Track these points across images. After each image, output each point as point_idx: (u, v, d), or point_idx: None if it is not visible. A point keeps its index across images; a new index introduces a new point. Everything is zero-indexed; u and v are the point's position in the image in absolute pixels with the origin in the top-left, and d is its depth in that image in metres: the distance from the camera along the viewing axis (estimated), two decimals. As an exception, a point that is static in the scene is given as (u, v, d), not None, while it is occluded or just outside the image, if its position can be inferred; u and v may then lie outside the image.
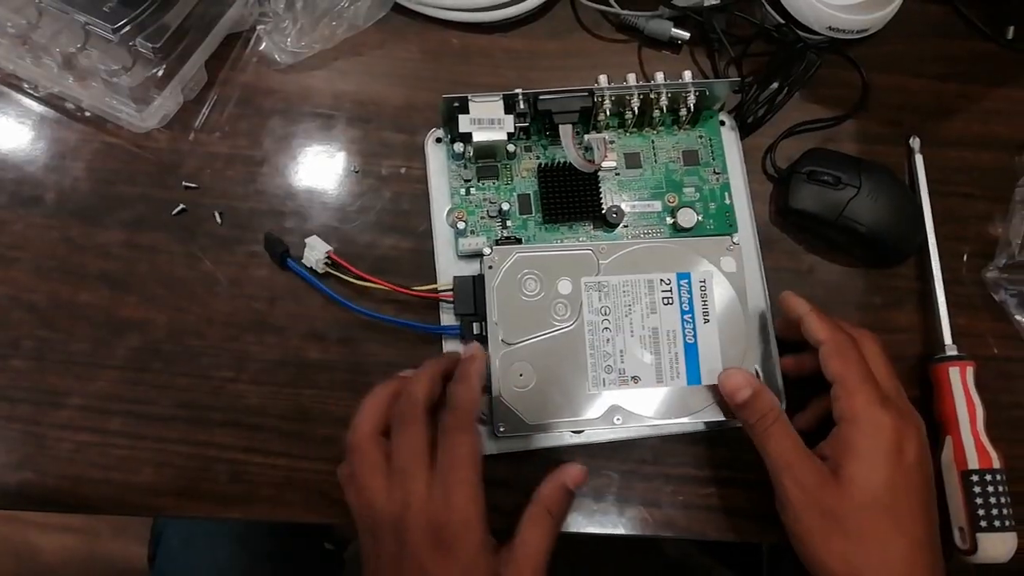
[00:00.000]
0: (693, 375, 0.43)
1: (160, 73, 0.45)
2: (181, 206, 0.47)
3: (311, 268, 0.45)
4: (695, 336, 0.43)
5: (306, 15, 0.49)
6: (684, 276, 0.44)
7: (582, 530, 0.44)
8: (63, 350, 0.45)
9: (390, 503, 0.37)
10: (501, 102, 0.45)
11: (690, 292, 0.43)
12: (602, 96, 0.46)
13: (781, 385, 0.45)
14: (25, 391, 0.44)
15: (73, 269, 0.46)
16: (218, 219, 0.47)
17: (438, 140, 0.48)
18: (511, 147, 0.47)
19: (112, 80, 0.44)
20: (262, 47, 0.50)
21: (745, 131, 0.50)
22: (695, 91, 0.47)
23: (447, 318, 0.45)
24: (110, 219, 0.47)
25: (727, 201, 0.48)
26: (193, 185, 0.48)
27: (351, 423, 0.39)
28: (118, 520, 1.14)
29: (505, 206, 0.46)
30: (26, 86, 0.49)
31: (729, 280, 0.44)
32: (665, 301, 0.43)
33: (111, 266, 0.46)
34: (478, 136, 0.45)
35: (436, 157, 0.48)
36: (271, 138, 0.49)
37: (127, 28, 0.44)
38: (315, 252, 0.45)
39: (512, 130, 0.45)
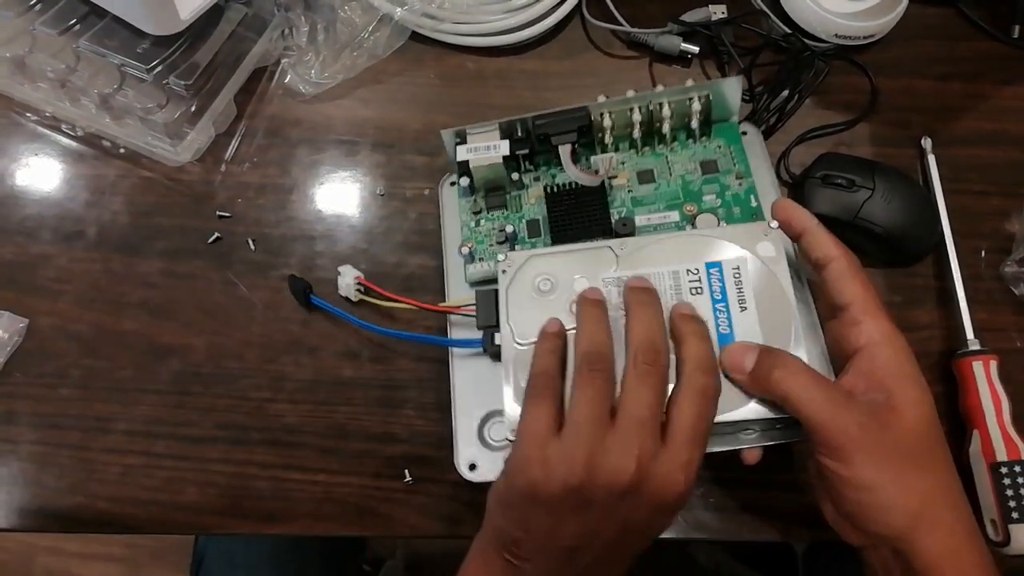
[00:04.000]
0: None
1: (192, 109, 0.47)
2: (216, 235, 0.49)
3: (344, 297, 0.47)
4: (730, 326, 0.38)
5: (328, 47, 0.51)
6: (714, 265, 0.39)
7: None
8: (108, 377, 0.47)
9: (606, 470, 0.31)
10: (497, 130, 0.45)
11: (722, 280, 0.39)
12: (600, 113, 0.45)
13: (831, 369, 0.41)
14: (74, 418, 0.46)
15: (115, 299, 0.48)
16: (251, 246, 0.49)
17: (452, 184, 0.48)
18: (515, 175, 0.46)
19: (148, 117, 0.46)
20: (287, 80, 0.52)
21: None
22: (698, 97, 0.46)
23: (458, 332, 0.45)
24: (149, 250, 0.49)
25: (753, 204, 0.46)
26: (226, 214, 0.50)
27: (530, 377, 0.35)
28: (158, 548, 1.16)
29: (510, 228, 0.45)
30: (64, 127, 0.51)
31: (768, 265, 0.39)
32: (694, 291, 0.39)
33: (151, 295, 0.48)
34: (475, 161, 0.45)
35: (450, 201, 0.48)
36: (299, 166, 0.51)
37: (160, 67, 0.47)
38: (346, 279, 0.46)
39: (507, 152, 0.45)
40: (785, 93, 0.51)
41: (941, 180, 0.51)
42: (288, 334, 0.47)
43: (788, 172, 0.51)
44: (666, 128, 0.47)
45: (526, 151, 0.46)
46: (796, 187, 0.50)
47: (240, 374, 0.47)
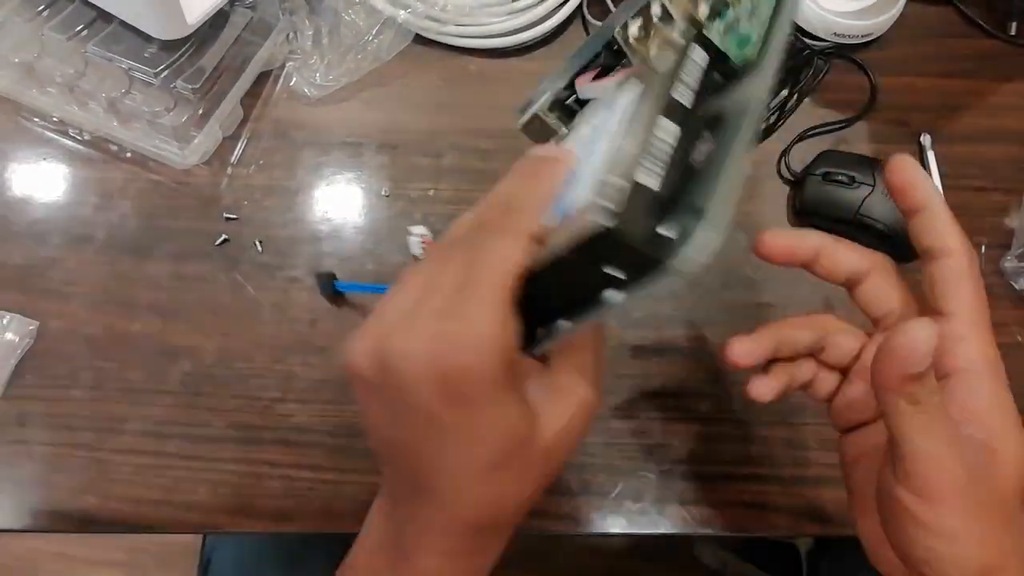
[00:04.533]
0: None
1: (200, 112, 0.47)
2: (223, 236, 0.49)
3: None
4: None
5: (332, 51, 0.52)
6: None
7: (624, 531, 0.46)
8: (119, 378, 0.47)
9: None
10: None
11: None
12: None
13: None
14: (85, 419, 0.46)
15: (125, 301, 0.48)
16: (259, 247, 0.49)
17: None
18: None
19: (156, 121, 0.47)
20: (292, 83, 0.52)
21: (759, 137, 0.52)
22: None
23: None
24: (157, 252, 0.49)
25: None
26: (233, 216, 0.50)
27: None
28: (163, 553, 1.16)
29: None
30: (71, 131, 0.51)
31: None
32: None
33: (160, 297, 0.48)
34: None
35: None
36: (304, 168, 0.52)
37: (167, 72, 0.47)
38: (414, 238, 0.48)
39: None
40: (785, 92, 0.52)
41: (941, 176, 0.51)
42: (297, 334, 0.48)
43: (789, 169, 0.52)
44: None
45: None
46: (797, 184, 0.51)
47: (249, 374, 0.47)
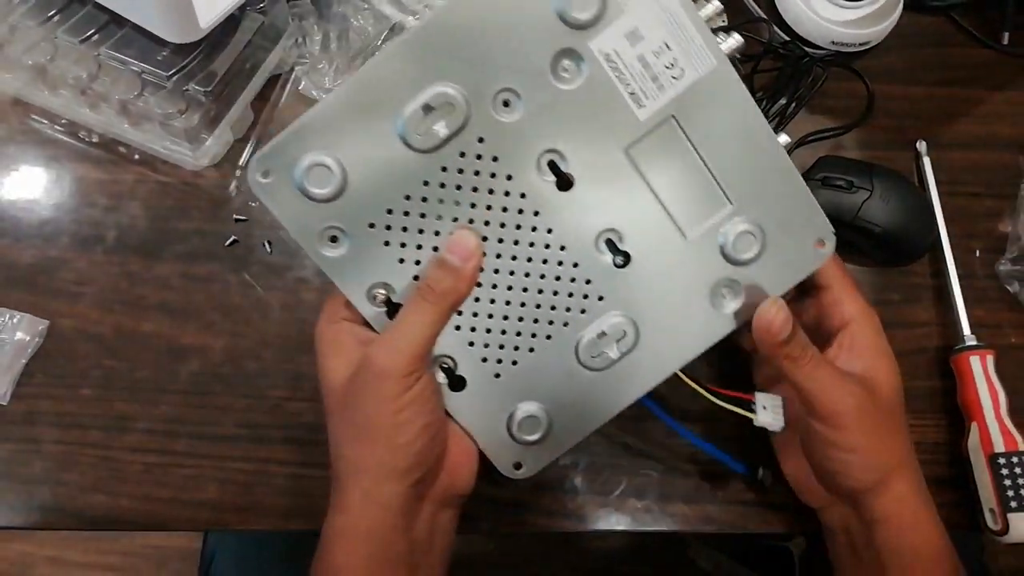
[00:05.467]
0: None
1: (212, 115, 0.48)
2: (232, 238, 0.50)
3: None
4: None
5: (341, 55, 0.52)
6: None
7: (628, 528, 0.46)
8: (128, 377, 0.47)
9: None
10: None
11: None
12: None
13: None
14: (95, 418, 0.47)
15: (134, 301, 0.49)
16: (267, 248, 0.50)
17: None
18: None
19: (168, 123, 0.47)
20: (301, 86, 0.53)
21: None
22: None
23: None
24: (167, 253, 0.50)
25: None
26: (242, 218, 0.51)
27: None
28: (160, 556, 1.16)
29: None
30: (81, 133, 0.52)
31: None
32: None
33: (170, 297, 0.49)
34: None
35: None
36: (313, 171, 0.52)
37: (179, 75, 0.48)
38: None
39: None
40: (783, 101, 0.53)
41: (936, 183, 0.52)
42: (304, 334, 0.48)
43: (789, 175, 0.53)
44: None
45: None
46: (797, 189, 0.52)
47: (258, 374, 0.48)
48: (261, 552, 0.65)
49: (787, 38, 0.55)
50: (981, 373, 0.47)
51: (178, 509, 0.46)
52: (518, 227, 0.37)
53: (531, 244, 0.37)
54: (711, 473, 0.47)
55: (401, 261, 0.37)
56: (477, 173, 0.36)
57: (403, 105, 0.35)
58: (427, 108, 0.35)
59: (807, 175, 0.51)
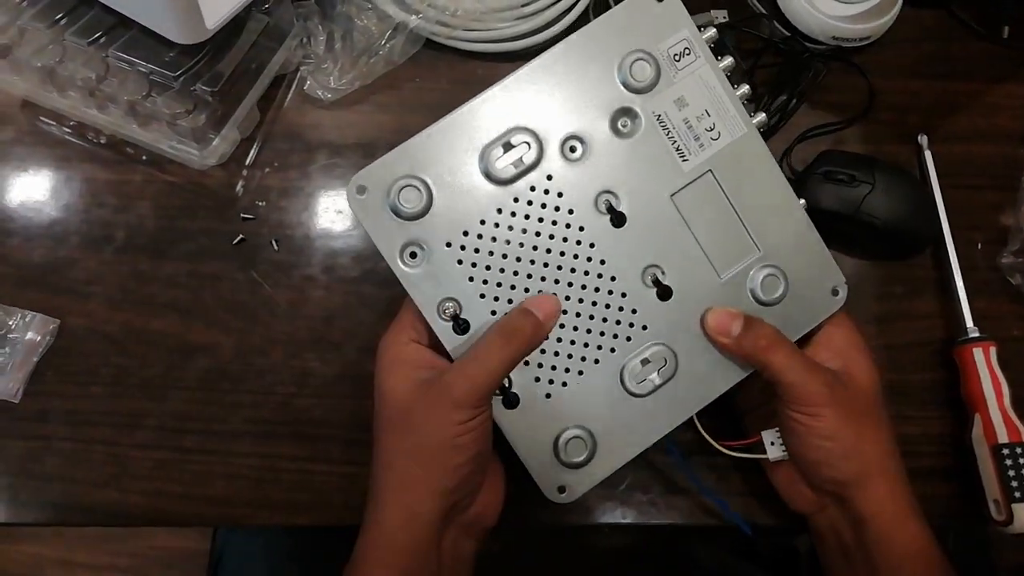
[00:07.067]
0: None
1: (219, 115, 0.49)
2: (240, 236, 0.51)
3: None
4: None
5: (345, 55, 0.53)
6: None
7: (634, 522, 0.47)
8: (138, 375, 0.48)
9: None
10: None
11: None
12: None
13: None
14: (105, 415, 0.47)
15: (144, 300, 0.49)
16: (275, 246, 0.51)
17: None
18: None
19: (176, 123, 0.48)
20: (306, 86, 0.53)
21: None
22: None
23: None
24: (175, 252, 0.50)
25: None
26: (250, 216, 0.51)
27: None
28: (168, 557, 1.17)
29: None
30: (89, 134, 0.52)
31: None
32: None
33: (178, 295, 0.49)
34: None
35: None
36: (318, 169, 0.53)
37: (187, 75, 0.48)
38: None
39: None
40: (784, 97, 0.53)
41: (938, 176, 0.53)
42: (312, 331, 0.49)
43: (791, 169, 0.53)
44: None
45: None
46: (799, 183, 0.52)
47: (266, 370, 0.48)
48: (269, 552, 0.65)
49: (788, 34, 0.55)
50: (984, 365, 0.47)
51: (187, 505, 0.46)
52: (575, 256, 0.41)
53: (586, 273, 0.41)
54: (717, 466, 0.47)
55: (471, 279, 0.40)
56: (544, 206, 0.41)
57: (488, 141, 0.40)
58: (507, 146, 0.40)
59: (809, 169, 0.52)
